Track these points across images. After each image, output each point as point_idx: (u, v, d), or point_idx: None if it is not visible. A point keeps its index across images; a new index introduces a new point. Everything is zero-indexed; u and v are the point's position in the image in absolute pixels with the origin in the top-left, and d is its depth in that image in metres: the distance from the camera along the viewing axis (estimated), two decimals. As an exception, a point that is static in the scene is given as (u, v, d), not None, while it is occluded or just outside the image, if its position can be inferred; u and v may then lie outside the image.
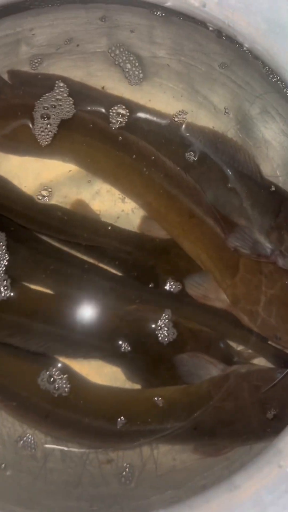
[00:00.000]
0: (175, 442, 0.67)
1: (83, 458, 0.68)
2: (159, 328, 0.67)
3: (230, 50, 0.70)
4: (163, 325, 0.67)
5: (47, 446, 0.68)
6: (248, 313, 0.68)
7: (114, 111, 0.68)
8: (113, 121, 0.69)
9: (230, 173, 0.71)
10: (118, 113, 0.68)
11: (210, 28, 0.60)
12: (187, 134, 0.71)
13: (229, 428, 0.64)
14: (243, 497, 0.42)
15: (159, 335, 0.67)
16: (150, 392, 0.68)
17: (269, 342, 0.70)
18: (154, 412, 0.66)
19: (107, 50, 0.71)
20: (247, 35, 0.53)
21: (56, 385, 0.66)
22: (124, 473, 0.67)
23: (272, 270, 0.68)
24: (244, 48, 0.58)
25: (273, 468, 0.42)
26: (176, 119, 0.70)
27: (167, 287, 0.69)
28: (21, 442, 0.65)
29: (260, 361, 0.71)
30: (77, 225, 0.73)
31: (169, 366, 0.68)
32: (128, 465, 0.68)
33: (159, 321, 0.67)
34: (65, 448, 0.69)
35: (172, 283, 0.69)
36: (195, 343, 0.69)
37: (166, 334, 0.67)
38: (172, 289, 0.68)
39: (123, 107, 0.69)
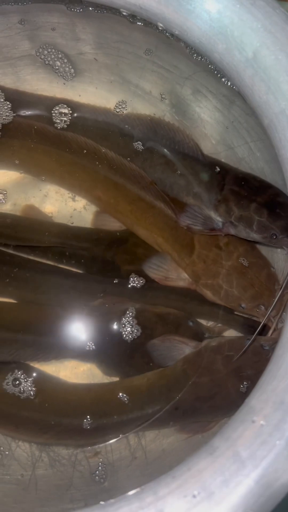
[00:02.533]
0: (160, 426, 0.67)
1: (71, 459, 0.67)
2: (123, 325, 0.67)
3: (152, 36, 0.71)
4: (127, 322, 0.67)
5: (33, 453, 0.68)
6: (210, 288, 0.69)
7: (56, 111, 0.69)
8: (57, 121, 0.69)
9: (172, 155, 0.72)
10: (61, 113, 0.68)
11: (124, 13, 0.61)
12: (128, 124, 0.72)
13: (210, 402, 0.64)
14: (222, 457, 0.42)
15: (123, 332, 0.67)
16: (127, 381, 0.68)
17: (235, 313, 0.71)
18: (134, 400, 0.66)
19: (34, 53, 0.72)
20: (159, 15, 0.55)
21: (22, 388, 0.66)
22: (114, 466, 0.67)
23: (227, 242, 0.70)
24: (160, 29, 0.59)
25: (247, 425, 0.43)
26: (117, 111, 0.71)
27: (130, 284, 0.69)
28: (6, 452, 0.64)
29: (231, 333, 0.72)
30: (28, 229, 0.73)
31: (142, 353, 0.68)
32: (117, 458, 0.68)
33: (123, 318, 0.67)
34: (52, 453, 0.68)
35: (135, 278, 0.69)
36: (165, 326, 0.69)
37: (130, 331, 0.67)
38: (136, 284, 0.68)
39: (65, 106, 0.69)
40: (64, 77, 0.72)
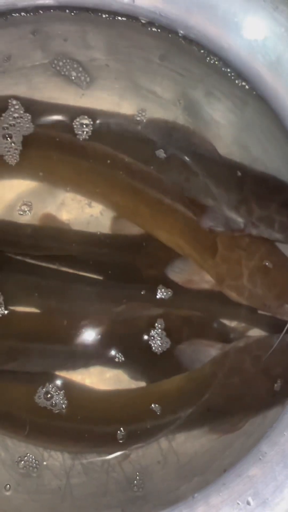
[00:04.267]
0: (191, 429, 0.67)
1: (104, 466, 0.68)
2: (152, 337, 0.67)
3: (164, 40, 0.71)
4: (156, 334, 0.67)
5: (66, 462, 0.68)
6: (235, 289, 0.69)
7: (77, 122, 0.69)
8: (79, 132, 0.69)
9: (189, 158, 0.72)
10: (82, 124, 0.68)
11: (143, 21, 0.61)
12: (144, 130, 0.72)
13: (240, 402, 0.65)
14: (272, 462, 0.43)
15: (152, 345, 0.67)
16: (156, 386, 0.68)
17: (260, 312, 0.72)
18: (165, 404, 0.66)
19: (47, 63, 0.71)
20: (180, 22, 0.55)
21: (54, 401, 0.66)
22: (148, 470, 0.67)
23: (249, 243, 0.70)
24: (179, 35, 0.59)
25: (295, 428, 0.44)
26: (138, 118, 0.71)
27: (158, 295, 0.69)
28: (44, 463, 0.64)
29: (255, 333, 0.73)
30: (48, 238, 0.72)
31: (170, 357, 0.68)
32: (149, 462, 0.68)
33: (152, 330, 0.67)
34: (84, 461, 0.68)
35: (163, 290, 0.69)
36: (190, 329, 0.70)
37: (160, 344, 0.67)
38: (164, 296, 0.68)
39: (85, 116, 0.69)
40: (81, 85, 0.72)
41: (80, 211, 0.77)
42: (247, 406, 0.65)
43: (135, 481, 0.66)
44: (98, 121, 0.71)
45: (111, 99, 0.75)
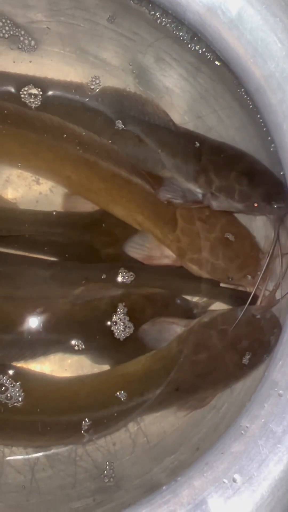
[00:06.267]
0: (160, 409, 0.65)
1: (71, 456, 0.64)
2: (115, 322, 0.64)
3: (111, 1, 0.66)
4: (118, 319, 0.64)
5: (29, 456, 0.64)
6: (197, 262, 0.67)
7: (25, 92, 0.63)
8: (27, 102, 0.63)
9: (143, 128, 0.68)
10: (30, 94, 0.62)
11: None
12: (98, 100, 0.67)
13: (209, 378, 0.64)
14: (255, 437, 0.41)
15: (115, 331, 0.64)
16: (121, 369, 0.66)
17: (222, 285, 0.70)
18: (131, 388, 0.63)
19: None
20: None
21: (8, 394, 0.61)
22: (117, 455, 0.65)
23: (209, 214, 0.68)
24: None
25: (274, 399, 0.42)
26: (92, 87, 0.66)
27: (119, 279, 0.65)
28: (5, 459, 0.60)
29: (218, 307, 0.72)
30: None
31: (133, 338, 0.66)
32: (118, 447, 0.66)
33: (114, 316, 0.64)
34: (49, 452, 0.65)
35: (125, 273, 0.66)
36: (152, 308, 0.67)
37: (123, 329, 0.64)
38: (126, 280, 0.65)
39: (33, 86, 0.63)
40: (24, 50, 0.65)
41: (28, 189, 0.71)
42: (216, 381, 0.64)
43: (104, 469, 0.64)
44: (47, 91, 0.66)
45: (57, 66, 0.69)
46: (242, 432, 0.42)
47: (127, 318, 0.63)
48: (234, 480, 0.39)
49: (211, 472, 0.41)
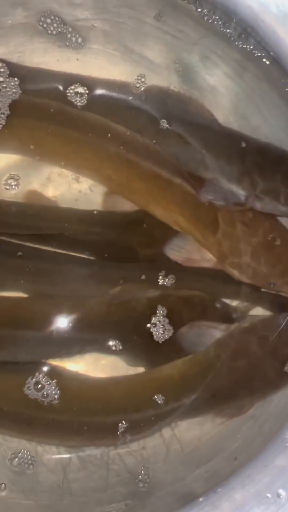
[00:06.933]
0: (195, 415, 0.64)
1: (104, 458, 0.63)
2: (154, 325, 0.63)
3: (157, -1, 0.66)
4: (158, 322, 0.63)
5: (62, 456, 0.63)
6: (237, 267, 0.65)
7: (71, 90, 0.62)
8: (73, 101, 0.63)
9: (186, 127, 0.67)
10: (77, 93, 0.62)
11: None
12: (142, 99, 0.66)
13: (248, 386, 0.62)
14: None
15: (153, 332, 0.62)
16: (157, 372, 0.64)
17: (263, 290, 0.68)
18: (167, 391, 0.62)
19: (34, 21, 0.64)
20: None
21: (45, 392, 0.61)
22: (150, 461, 0.63)
23: (252, 218, 0.66)
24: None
25: None
26: (137, 85, 0.65)
27: (160, 281, 0.64)
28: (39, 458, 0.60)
29: (257, 312, 0.70)
30: (35, 217, 0.67)
31: (170, 341, 0.64)
32: (151, 452, 0.64)
33: (154, 317, 0.62)
34: (82, 454, 0.64)
35: (165, 275, 0.65)
36: (191, 310, 0.66)
37: (162, 332, 0.63)
38: (166, 284, 0.64)
39: (80, 84, 0.63)
40: (72, 48, 0.65)
41: (67, 187, 0.71)
42: (255, 389, 0.62)
43: (137, 473, 0.62)
44: (93, 89, 0.65)
45: (101, 64, 0.69)
46: (287, 445, 0.40)
47: (167, 320, 0.61)
48: (278, 496, 0.37)
49: (253, 485, 0.39)
